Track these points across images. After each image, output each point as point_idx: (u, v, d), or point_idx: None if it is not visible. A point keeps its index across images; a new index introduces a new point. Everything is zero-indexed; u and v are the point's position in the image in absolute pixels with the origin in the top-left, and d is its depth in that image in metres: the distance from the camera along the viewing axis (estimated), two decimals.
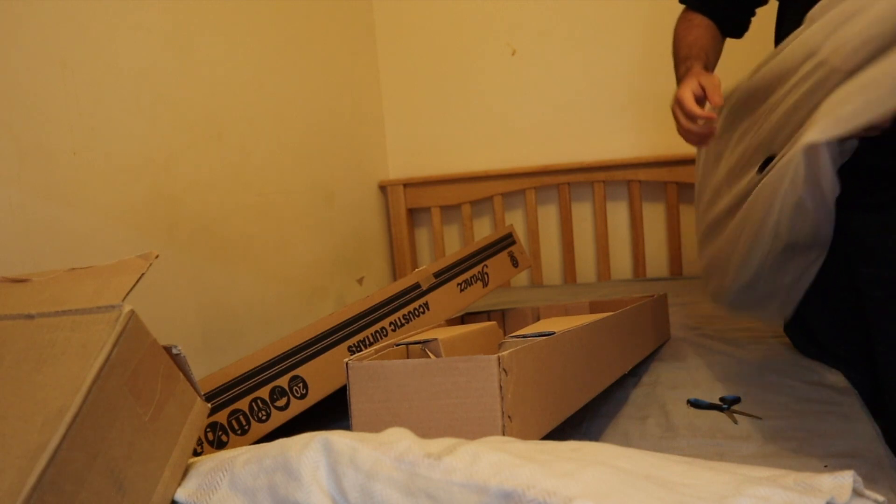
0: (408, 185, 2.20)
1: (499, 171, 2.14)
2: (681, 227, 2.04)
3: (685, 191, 2.02)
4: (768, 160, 0.97)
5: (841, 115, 0.82)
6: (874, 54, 0.81)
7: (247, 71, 1.56)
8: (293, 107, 1.75)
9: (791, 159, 0.86)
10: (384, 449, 0.56)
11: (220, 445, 0.91)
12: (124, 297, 0.62)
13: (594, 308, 1.44)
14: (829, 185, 0.87)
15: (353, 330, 1.10)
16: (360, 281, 2.02)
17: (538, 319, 1.44)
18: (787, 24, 1.09)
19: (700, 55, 1.17)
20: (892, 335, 1.04)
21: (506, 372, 0.73)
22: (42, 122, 1.05)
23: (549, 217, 2.18)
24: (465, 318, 1.48)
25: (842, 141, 0.85)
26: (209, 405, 0.68)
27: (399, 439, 0.58)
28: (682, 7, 1.30)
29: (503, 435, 0.72)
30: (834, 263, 1.12)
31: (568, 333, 0.89)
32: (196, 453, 0.86)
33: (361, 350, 1.05)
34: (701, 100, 1.06)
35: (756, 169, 1.02)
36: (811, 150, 0.83)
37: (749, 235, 1.00)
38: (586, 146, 2.12)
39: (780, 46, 0.97)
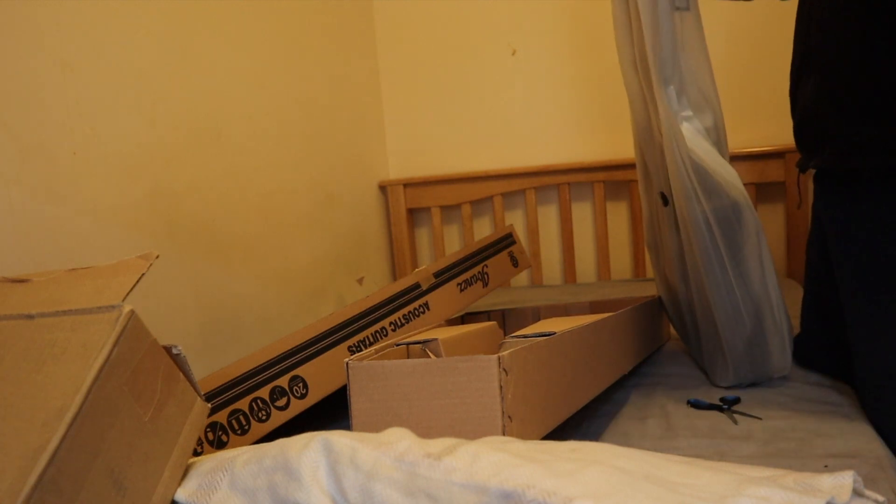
0: (408, 185, 2.20)
1: (499, 171, 2.14)
2: None
3: None
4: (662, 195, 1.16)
5: None
6: None
7: (247, 71, 1.56)
8: (293, 107, 1.75)
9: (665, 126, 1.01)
10: (384, 449, 0.56)
11: (220, 445, 0.91)
12: (124, 298, 0.62)
13: (594, 308, 1.44)
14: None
15: (353, 330, 1.10)
16: (360, 281, 2.02)
17: (538, 319, 1.44)
18: None
19: None
20: (865, 315, 0.98)
21: (506, 372, 0.73)
22: (42, 122, 1.05)
23: (549, 217, 2.18)
24: (465, 318, 1.49)
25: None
26: (209, 405, 0.68)
27: (399, 439, 0.58)
28: None
29: (503, 435, 0.72)
30: (825, 276, 1.10)
31: (568, 333, 0.89)
32: (196, 453, 0.86)
33: (361, 350, 1.05)
34: None
35: (661, 202, 1.18)
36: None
37: (687, 232, 1.06)
38: (586, 146, 2.13)
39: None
